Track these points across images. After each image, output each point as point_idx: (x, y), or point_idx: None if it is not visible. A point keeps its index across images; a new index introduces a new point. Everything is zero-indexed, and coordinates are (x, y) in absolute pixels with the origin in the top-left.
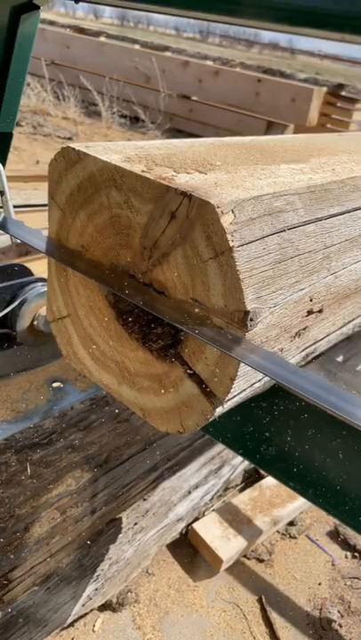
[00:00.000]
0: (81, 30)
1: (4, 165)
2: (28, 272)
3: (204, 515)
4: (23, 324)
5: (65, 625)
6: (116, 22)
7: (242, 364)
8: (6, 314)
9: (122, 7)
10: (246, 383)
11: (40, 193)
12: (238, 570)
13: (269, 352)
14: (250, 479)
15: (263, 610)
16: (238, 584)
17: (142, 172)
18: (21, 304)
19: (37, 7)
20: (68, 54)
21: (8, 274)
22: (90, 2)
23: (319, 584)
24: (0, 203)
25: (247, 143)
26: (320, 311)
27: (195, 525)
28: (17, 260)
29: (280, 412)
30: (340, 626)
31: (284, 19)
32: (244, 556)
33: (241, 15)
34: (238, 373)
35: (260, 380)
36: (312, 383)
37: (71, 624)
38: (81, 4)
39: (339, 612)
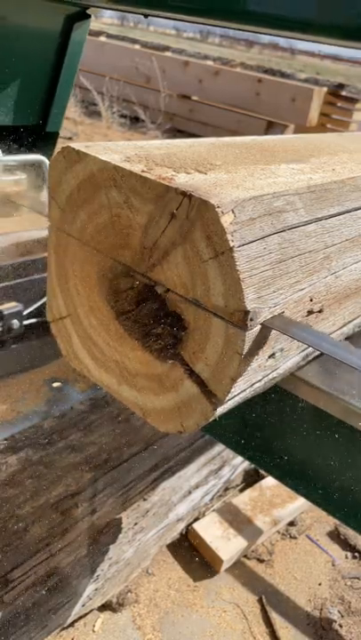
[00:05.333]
0: None
1: None
2: None
3: (204, 515)
4: None
5: (65, 625)
6: (116, 22)
7: (242, 365)
8: (43, 304)
9: (181, 20)
10: (246, 383)
11: None
12: (238, 570)
13: (307, 325)
14: (250, 479)
15: (263, 610)
16: (238, 584)
17: (142, 171)
18: None
19: (89, 16)
20: None
21: (43, 266)
22: (158, 16)
23: (319, 584)
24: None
25: (247, 143)
26: (320, 311)
27: (195, 525)
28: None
29: (281, 412)
30: (341, 626)
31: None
32: (245, 557)
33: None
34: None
35: (260, 380)
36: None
37: (71, 624)
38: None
39: (339, 612)
